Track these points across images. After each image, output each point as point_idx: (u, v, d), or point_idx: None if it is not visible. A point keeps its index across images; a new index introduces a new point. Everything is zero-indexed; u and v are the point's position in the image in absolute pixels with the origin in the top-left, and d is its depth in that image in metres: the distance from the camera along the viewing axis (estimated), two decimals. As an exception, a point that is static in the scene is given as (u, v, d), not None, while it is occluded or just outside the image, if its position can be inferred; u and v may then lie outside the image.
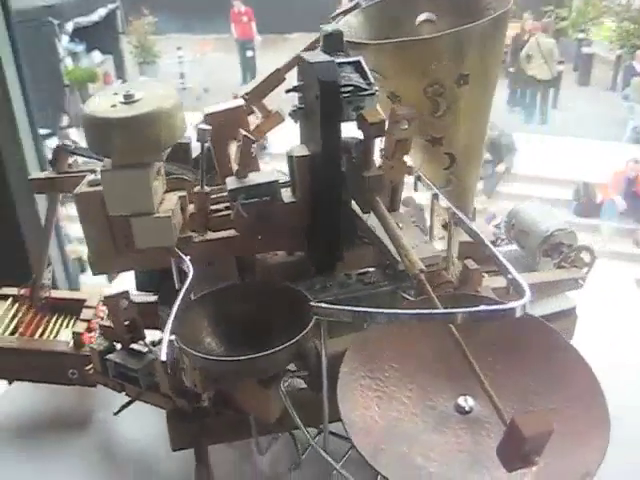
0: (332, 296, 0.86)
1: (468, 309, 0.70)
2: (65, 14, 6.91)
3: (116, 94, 0.81)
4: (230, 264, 0.96)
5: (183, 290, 0.77)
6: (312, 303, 0.74)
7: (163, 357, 0.69)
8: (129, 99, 0.80)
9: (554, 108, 7.78)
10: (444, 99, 0.93)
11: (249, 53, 7.91)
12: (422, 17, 1.06)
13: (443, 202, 0.96)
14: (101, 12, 7.53)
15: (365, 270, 0.92)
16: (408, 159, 1.02)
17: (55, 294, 1.07)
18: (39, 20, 6.31)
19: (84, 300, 1.04)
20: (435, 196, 0.97)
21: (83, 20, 7.26)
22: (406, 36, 0.99)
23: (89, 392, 0.99)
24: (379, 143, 0.93)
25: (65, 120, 7.00)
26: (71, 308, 1.05)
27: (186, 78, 8.10)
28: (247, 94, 1.03)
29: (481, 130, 1.01)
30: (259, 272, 0.96)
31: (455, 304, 0.74)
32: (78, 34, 7.15)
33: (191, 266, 0.82)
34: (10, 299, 1.05)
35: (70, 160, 0.96)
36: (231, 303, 0.84)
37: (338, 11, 1.09)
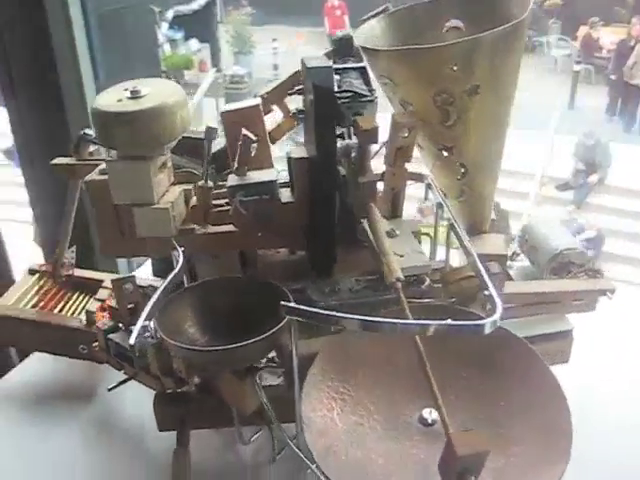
0: (340, 300, 0.88)
1: (431, 322, 0.71)
2: (166, 2, 7.18)
3: (126, 89, 0.86)
4: (234, 258, 1.00)
5: (167, 280, 0.82)
6: (282, 303, 0.76)
7: (132, 341, 0.73)
8: (135, 94, 0.85)
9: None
10: (454, 108, 0.93)
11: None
12: (449, 24, 1.05)
13: (447, 212, 0.96)
14: (201, 1, 7.77)
15: (377, 276, 0.92)
16: (422, 167, 1.03)
17: (78, 273, 1.15)
18: (141, 7, 6.57)
19: (102, 280, 1.11)
20: (439, 205, 0.97)
21: (183, 8, 7.52)
22: (430, 43, 0.99)
23: (99, 367, 1.05)
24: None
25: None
26: (92, 287, 1.12)
27: (279, 69, 8.23)
28: (267, 94, 1.06)
29: (495, 142, 1.00)
30: (260, 268, 0.99)
31: (431, 316, 0.74)
32: (177, 21, 7.41)
33: (182, 257, 0.86)
34: (37, 274, 1.13)
35: (92, 148, 1.02)
36: (218, 296, 0.88)
37: (369, 14, 1.10)
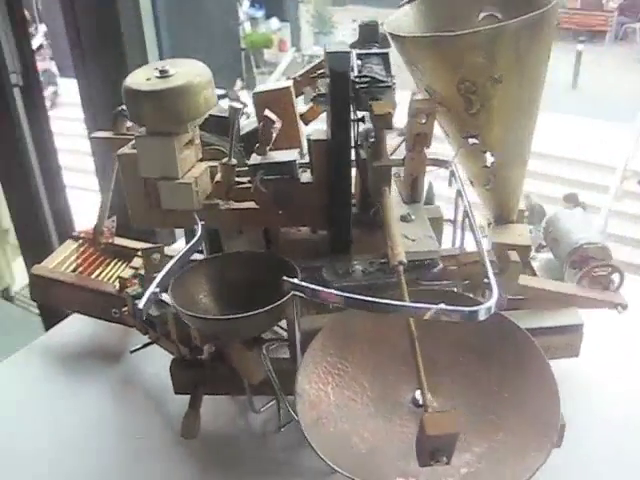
0: (353, 282, 0.90)
1: (423, 305, 0.72)
2: (249, -20, 7.26)
3: (156, 69, 0.91)
4: (258, 234, 1.04)
5: (182, 251, 0.86)
6: (284, 278, 0.79)
7: (141, 305, 0.78)
8: (164, 74, 0.89)
9: None
10: (477, 97, 0.93)
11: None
12: (486, 12, 1.05)
13: (466, 200, 0.97)
14: (283, -20, 7.81)
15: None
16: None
17: (118, 241, 1.22)
18: (223, -15, 6.68)
19: (138, 249, 1.17)
20: (459, 193, 0.98)
21: (266, -13, 7.58)
22: (461, 31, 0.99)
23: (129, 331, 1.12)
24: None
25: (238, 84, 7.39)
26: (130, 255, 1.19)
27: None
28: (300, 76, 1.09)
29: (521, 131, 0.99)
30: (282, 245, 1.03)
31: (435, 301, 0.73)
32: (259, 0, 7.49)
33: (200, 230, 0.90)
34: (80, 241, 1.21)
35: (129, 124, 1.08)
36: (233, 269, 0.92)
37: (407, -1, 1.11)
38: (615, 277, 0.96)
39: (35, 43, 7.65)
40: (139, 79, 0.90)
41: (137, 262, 1.14)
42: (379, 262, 0.93)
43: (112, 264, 1.21)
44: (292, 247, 1.02)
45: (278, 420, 0.95)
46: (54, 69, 7.54)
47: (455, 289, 0.95)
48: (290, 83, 1.07)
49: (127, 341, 1.15)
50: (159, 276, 0.82)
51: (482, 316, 0.72)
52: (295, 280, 0.79)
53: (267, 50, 7.74)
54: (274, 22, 7.79)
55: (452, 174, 1.02)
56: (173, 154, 0.91)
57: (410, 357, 0.82)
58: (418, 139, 0.92)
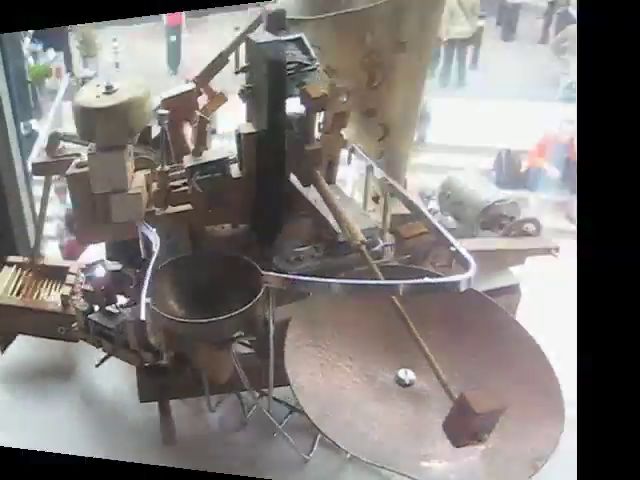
0: (306, 268, 0.86)
1: (411, 280, 0.70)
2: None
3: (99, 86, 0.86)
4: (184, 237, 0.97)
5: (154, 257, 0.81)
6: (263, 272, 0.76)
7: (142, 317, 0.74)
8: (109, 90, 0.84)
9: (473, 69, 6.55)
10: (380, 69, 0.94)
11: (172, 38, 7.82)
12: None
13: (378, 174, 0.98)
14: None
15: (326, 243, 0.91)
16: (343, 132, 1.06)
17: (47, 262, 1.17)
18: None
19: (68, 267, 1.12)
20: (369, 168, 0.99)
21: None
22: (342, 10, 0.96)
23: (74, 346, 1.06)
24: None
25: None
26: (58, 274, 1.14)
27: (120, 67, 8.01)
28: (197, 77, 1.06)
29: (416, 99, 1.02)
30: (210, 243, 0.97)
31: (397, 277, 0.72)
32: (37, 34, 7.10)
33: (157, 236, 0.85)
34: (14, 266, 1.15)
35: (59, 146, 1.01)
36: (194, 271, 0.88)
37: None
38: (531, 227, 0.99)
39: None
40: (88, 97, 0.84)
41: (70, 279, 1.11)
42: (324, 247, 0.89)
43: (45, 284, 1.16)
44: (220, 244, 0.98)
45: (243, 415, 0.93)
46: None
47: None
48: (193, 85, 1.03)
49: (74, 355, 1.09)
50: (145, 285, 0.77)
51: (464, 286, 0.70)
52: (273, 274, 0.77)
53: (48, 79, 7.40)
54: (50, 53, 7.44)
55: (352, 150, 1.01)
56: (123, 167, 0.86)
57: (384, 337, 0.80)
58: (337, 118, 0.89)
